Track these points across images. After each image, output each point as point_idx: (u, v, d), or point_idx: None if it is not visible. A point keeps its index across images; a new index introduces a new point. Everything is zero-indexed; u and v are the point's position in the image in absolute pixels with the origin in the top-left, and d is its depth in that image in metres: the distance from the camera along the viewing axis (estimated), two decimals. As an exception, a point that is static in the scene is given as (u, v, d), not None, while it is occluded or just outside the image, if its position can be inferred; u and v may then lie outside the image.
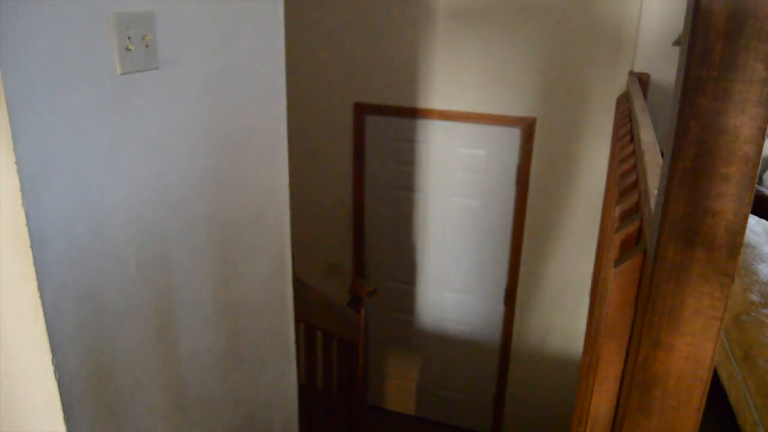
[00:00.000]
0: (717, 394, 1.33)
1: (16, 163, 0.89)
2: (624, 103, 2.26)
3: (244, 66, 1.40)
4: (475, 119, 2.97)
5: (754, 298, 1.46)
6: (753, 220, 1.89)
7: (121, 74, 1.05)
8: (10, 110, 0.87)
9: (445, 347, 3.46)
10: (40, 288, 0.95)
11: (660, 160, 1.05)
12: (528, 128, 2.90)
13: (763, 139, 0.56)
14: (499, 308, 3.27)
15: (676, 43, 2.49)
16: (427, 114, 3.05)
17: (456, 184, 3.15)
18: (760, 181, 2.68)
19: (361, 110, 3.15)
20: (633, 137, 1.50)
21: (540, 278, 3.11)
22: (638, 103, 1.94)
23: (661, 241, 0.61)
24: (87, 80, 0.99)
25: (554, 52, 2.77)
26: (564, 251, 3.00)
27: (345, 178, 3.29)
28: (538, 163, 2.94)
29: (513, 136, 2.97)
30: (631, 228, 0.84)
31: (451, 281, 3.34)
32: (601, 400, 0.83)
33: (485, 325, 3.33)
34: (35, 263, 0.93)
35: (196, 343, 1.38)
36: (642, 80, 2.60)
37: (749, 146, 0.56)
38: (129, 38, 1.04)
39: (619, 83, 2.71)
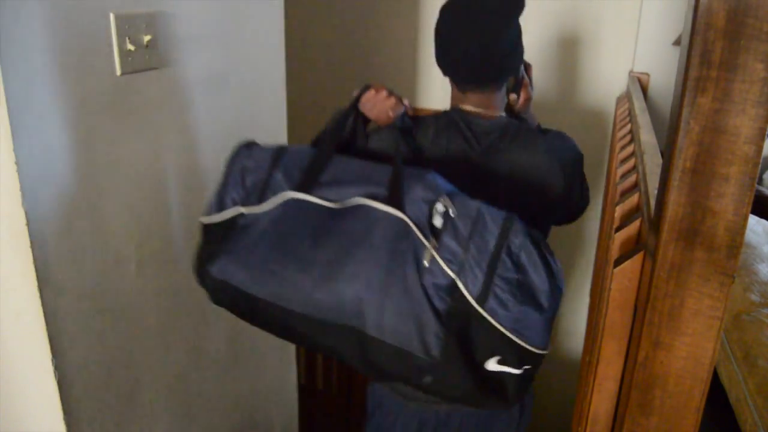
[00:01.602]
0: (717, 394, 1.33)
1: (16, 163, 0.89)
2: (624, 103, 2.26)
3: (244, 66, 1.40)
4: (475, 119, 2.97)
5: (754, 298, 1.46)
6: (753, 220, 1.89)
7: (121, 74, 1.05)
8: (10, 110, 0.87)
9: (445, 347, 3.45)
10: (40, 288, 0.95)
11: (660, 160, 1.05)
12: (528, 128, 2.90)
13: (763, 139, 0.56)
14: (499, 308, 3.26)
15: (676, 43, 2.49)
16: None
17: (456, 184, 3.15)
18: (760, 181, 2.68)
19: (361, 110, 3.15)
20: (633, 137, 1.50)
21: (540, 278, 3.10)
22: (638, 103, 1.94)
23: (661, 241, 0.62)
24: (87, 80, 0.99)
25: (554, 52, 2.77)
26: (564, 251, 3.00)
27: (345, 178, 3.29)
28: (538, 163, 2.94)
29: (513, 136, 2.97)
30: (631, 228, 0.84)
31: (451, 281, 3.33)
32: (601, 400, 0.83)
33: (485, 325, 3.32)
34: (35, 263, 0.93)
35: (196, 343, 1.38)
36: (642, 80, 2.60)
37: (749, 146, 0.56)
38: (129, 38, 1.05)
39: (619, 83, 2.71)
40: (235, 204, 1.01)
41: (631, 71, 2.67)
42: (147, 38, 1.08)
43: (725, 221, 0.59)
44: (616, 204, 1.00)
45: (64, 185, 0.98)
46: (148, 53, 1.10)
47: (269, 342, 1.70)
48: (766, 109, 0.54)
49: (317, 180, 0.97)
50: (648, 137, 1.34)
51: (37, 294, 0.95)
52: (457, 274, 0.86)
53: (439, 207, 0.89)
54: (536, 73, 2.86)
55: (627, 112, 1.99)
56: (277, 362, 1.76)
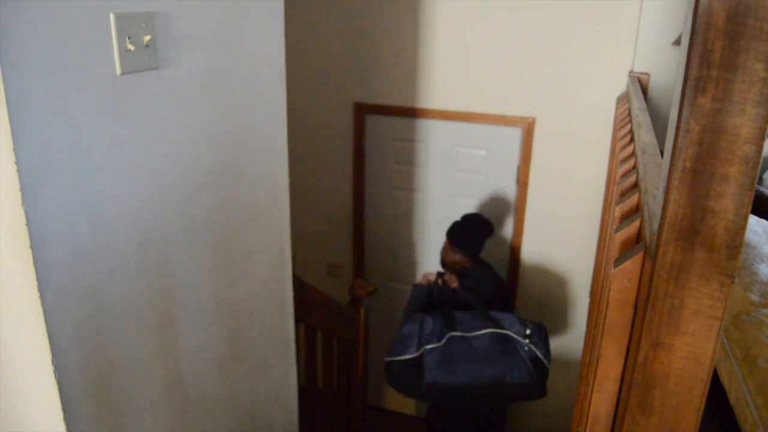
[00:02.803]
0: (717, 394, 1.33)
1: (16, 163, 0.89)
2: (624, 103, 2.25)
3: (244, 66, 1.40)
4: (475, 119, 2.97)
5: (754, 298, 1.46)
6: (753, 220, 1.89)
7: (121, 74, 1.05)
8: (10, 110, 0.87)
9: (445, 347, 3.46)
10: (40, 288, 0.95)
11: (660, 160, 1.05)
12: (528, 128, 2.90)
13: (763, 139, 0.56)
14: (499, 308, 3.27)
15: (676, 43, 2.49)
16: (427, 114, 3.05)
17: (456, 184, 3.15)
18: (760, 181, 2.67)
19: (361, 110, 3.15)
20: (633, 137, 1.50)
21: (540, 278, 3.10)
22: (638, 103, 1.94)
23: (661, 241, 0.61)
24: (87, 80, 0.99)
25: (554, 52, 2.77)
26: (564, 251, 3.00)
27: (345, 178, 3.29)
28: (538, 163, 2.94)
29: (513, 136, 2.97)
30: (631, 228, 0.84)
31: (451, 281, 3.34)
32: (601, 400, 0.83)
33: (485, 325, 3.33)
34: (35, 263, 0.93)
35: (196, 343, 1.38)
36: (642, 80, 2.60)
37: (749, 146, 0.56)
38: (129, 38, 1.05)
39: (619, 83, 2.72)
40: (423, 345, 2.26)
41: (631, 71, 2.67)
42: (147, 38, 1.08)
43: (725, 221, 0.59)
44: (616, 204, 1.00)
45: (64, 185, 0.98)
46: (148, 53, 1.10)
47: (269, 342, 1.70)
48: (766, 109, 0.54)
49: (455, 324, 2.30)
50: (648, 137, 1.34)
51: (37, 294, 0.95)
52: (537, 349, 2.22)
53: (529, 326, 2.27)
54: (537, 73, 2.87)
55: (627, 112, 1.99)
56: (277, 362, 1.76)
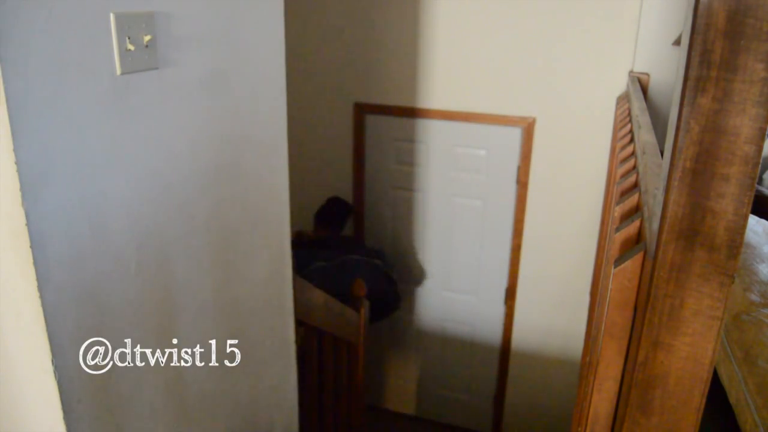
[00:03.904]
0: (717, 394, 1.33)
1: (16, 163, 0.89)
2: (624, 103, 2.26)
3: (244, 66, 1.40)
4: (475, 119, 2.97)
5: (754, 298, 1.46)
6: (753, 220, 1.89)
7: (121, 74, 1.05)
8: (10, 110, 0.87)
9: (445, 347, 3.46)
10: (40, 288, 0.95)
11: (660, 160, 1.05)
12: (528, 128, 2.90)
13: (763, 139, 0.56)
14: (499, 308, 3.27)
15: (676, 43, 2.48)
16: (427, 114, 3.05)
17: (456, 184, 3.15)
18: (760, 181, 2.68)
19: (361, 110, 3.15)
20: (633, 137, 1.50)
21: (540, 278, 3.10)
22: (638, 103, 1.94)
23: (661, 241, 0.62)
24: (87, 80, 0.99)
25: (554, 52, 2.77)
26: (564, 251, 3.00)
27: (345, 178, 3.29)
28: (538, 163, 2.94)
29: (513, 136, 2.97)
30: (631, 228, 0.84)
31: (451, 281, 3.34)
32: (601, 400, 0.83)
33: (485, 325, 3.33)
34: (35, 263, 0.93)
35: (196, 344, 1.38)
36: (642, 80, 2.60)
37: (749, 146, 0.56)
38: (129, 38, 1.05)
39: (619, 83, 2.71)
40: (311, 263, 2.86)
41: (631, 71, 2.67)
42: (147, 38, 1.08)
43: (725, 221, 0.59)
44: (616, 204, 1.00)
45: (64, 185, 0.98)
46: (148, 53, 1.10)
47: (269, 342, 1.70)
48: (766, 109, 0.54)
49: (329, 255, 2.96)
50: (648, 137, 1.34)
51: (37, 294, 0.95)
52: (388, 268, 3.03)
53: (377, 246, 3.31)
54: (537, 73, 2.87)
55: (627, 112, 1.99)
56: (277, 362, 1.76)
